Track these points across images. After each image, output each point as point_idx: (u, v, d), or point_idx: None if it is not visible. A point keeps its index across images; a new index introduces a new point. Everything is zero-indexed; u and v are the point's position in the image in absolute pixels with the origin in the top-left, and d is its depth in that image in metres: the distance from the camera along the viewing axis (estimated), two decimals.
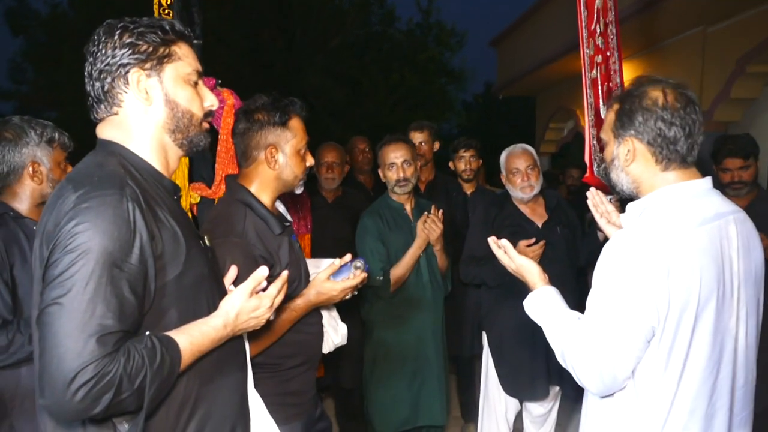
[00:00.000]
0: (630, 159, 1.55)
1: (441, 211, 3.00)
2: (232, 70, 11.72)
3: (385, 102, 16.04)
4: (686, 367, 1.43)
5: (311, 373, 2.11)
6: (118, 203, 1.21)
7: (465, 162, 4.02)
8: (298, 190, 2.08)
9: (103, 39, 1.35)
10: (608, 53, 2.71)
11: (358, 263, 1.99)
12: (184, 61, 1.42)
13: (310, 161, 2.05)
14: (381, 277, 2.93)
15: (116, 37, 1.35)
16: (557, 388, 3.17)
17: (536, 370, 3.06)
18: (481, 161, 4.10)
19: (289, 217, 2.12)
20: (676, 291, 1.38)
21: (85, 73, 1.38)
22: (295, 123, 1.99)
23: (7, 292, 2.02)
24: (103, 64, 1.35)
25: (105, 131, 1.40)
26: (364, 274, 1.99)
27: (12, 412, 2.04)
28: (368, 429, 3.16)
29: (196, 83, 1.47)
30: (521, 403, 3.26)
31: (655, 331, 1.41)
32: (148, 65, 1.36)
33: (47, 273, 1.18)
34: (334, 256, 2.32)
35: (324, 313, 2.17)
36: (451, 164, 4.14)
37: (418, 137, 3.98)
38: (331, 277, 1.98)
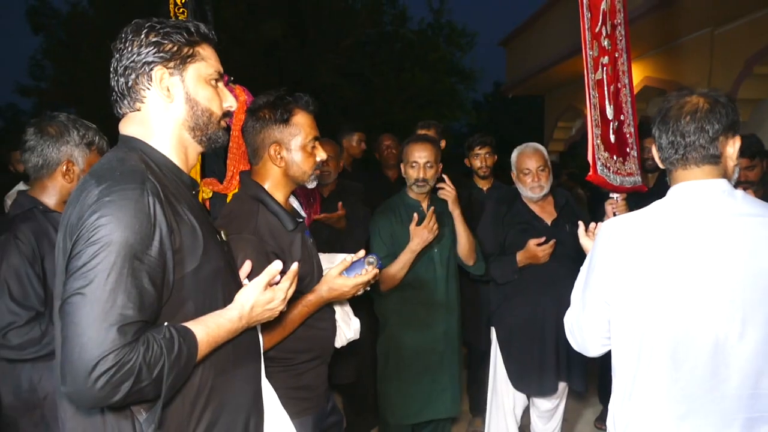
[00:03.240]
0: (659, 162, 1.71)
1: (432, 208, 2.98)
2: (246, 69, 11.80)
3: (396, 100, 16.06)
4: (642, 350, 1.55)
5: (323, 367, 2.12)
6: (140, 197, 1.24)
7: (480, 159, 4.04)
8: (311, 185, 2.07)
9: (130, 37, 1.39)
10: (616, 54, 2.72)
11: (371, 259, 1.97)
12: (206, 62, 1.47)
13: (321, 156, 2.03)
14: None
15: (143, 36, 1.38)
16: (565, 384, 3.20)
17: (544, 366, 3.09)
18: (496, 157, 4.10)
19: (303, 213, 2.13)
20: (622, 274, 1.56)
21: (111, 69, 1.42)
22: (300, 119, 1.98)
23: (39, 285, 2.06)
24: (129, 61, 1.39)
25: (127, 127, 1.44)
26: (376, 270, 1.98)
27: (44, 402, 2.08)
28: (381, 422, 3.21)
29: (216, 84, 1.50)
30: (529, 398, 3.29)
31: (611, 307, 1.61)
32: (171, 64, 1.40)
33: (70, 264, 1.21)
34: (331, 251, 2.35)
35: (337, 308, 2.17)
36: (466, 161, 4.17)
37: None
38: (343, 273, 1.97)
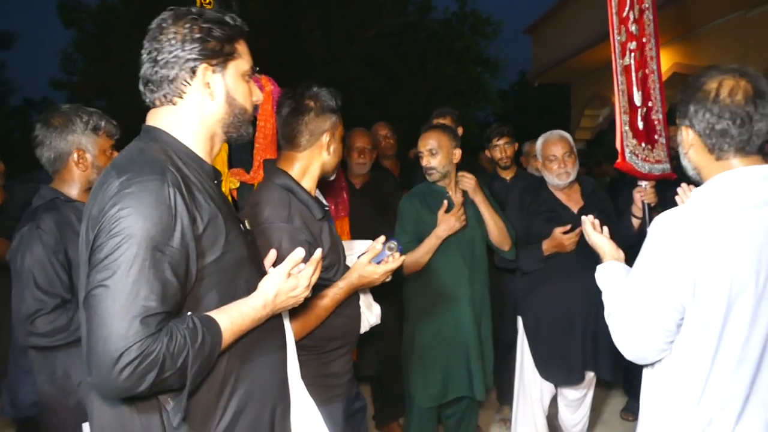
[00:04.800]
0: (687, 147, 1.59)
1: (461, 198, 2.98)
2: (270, 60, 11.87)
3: (420, 91, 16.01)
4: (720, 348, 1.44)
5: (350, 355, 2.15)
6: (160, 189, 1.24)
7: (500, 150, 3.99)
8: (332, 177, 2.14)
9: (172, 29, 1.37)
10: (644, 39, 2.68)
11: (392, 244, 1.98)
12: (243, 58, 1.47)
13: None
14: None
15: (186, 30, 1.37)
16: (592, 373, 3.18)
17: (571, 355, 3.07)
18: (516, 145, 4.04)
19: (325, 202, 2.15)
20: (704, 274, 1.42)
21: (147, 57, 1.39)
22: (338, 112, 2.07)
23: (64, 273, 2.10)
24: (171, 55, 1.36)
25: (155, 119, 1.43)
26: (404, 257, 2.00)
27: (78, 388, 2.13)
28: (407, 408, 3.21)
29: (249, 79, 1.51)
30: (556, 388, 3.28)
31: (686, 310, 1.46)
32: (214, 62, 1.40)
33: (93, 257, 1.22)
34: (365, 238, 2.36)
35: (360, 294, 2.20)
36: (487, 153, 4.13)
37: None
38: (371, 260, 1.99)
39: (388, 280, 2.04)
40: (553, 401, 3.35)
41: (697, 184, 1.63)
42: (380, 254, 1.99)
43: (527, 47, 11.68)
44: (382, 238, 2.01)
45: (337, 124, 2.04)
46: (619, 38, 2.51)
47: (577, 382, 3.15)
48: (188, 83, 1.40)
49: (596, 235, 1.94)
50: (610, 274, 1.79)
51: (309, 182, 2.04)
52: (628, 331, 1.56)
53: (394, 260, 1.98)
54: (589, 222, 1.97)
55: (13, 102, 22.23)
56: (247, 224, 1.57)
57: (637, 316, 1.53)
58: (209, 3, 2.88)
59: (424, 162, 3.00)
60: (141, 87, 1.43)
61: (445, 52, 16.46)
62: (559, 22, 9.91)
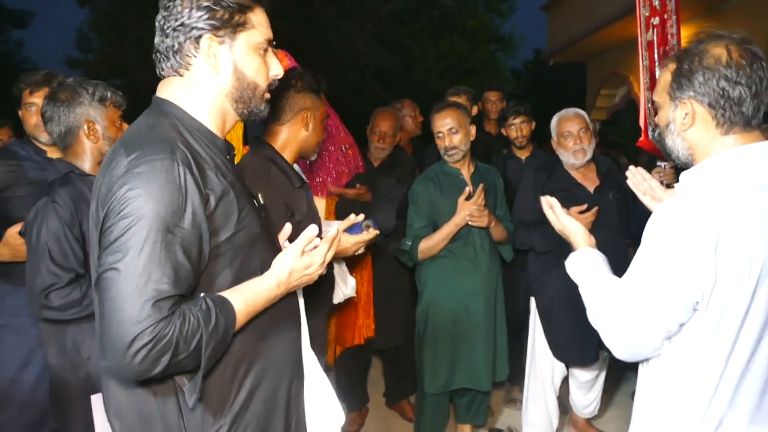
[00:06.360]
0: (688, 123, 1.43)
1: (481, 186, 2.93)
2: (283, 38, 11.82)
3: (434, 69, 15.92)
4: (738, 341, 1.34)
5: (323, 319, 2.25)
6: (170, 168, 1.20)
7: (516, 129, 3.93)
8: (313, 157, 2.25)
9: None
10: (665, 16, 2.64)
11: (369, 222, 2.11)
12: (257, 29, 1.39)
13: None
14: (410, 243, 2.99)
15: None
16: (606, 354, 3.17)
17: (586, 335, 3.04)
18: (533, 124, 3.97)
19: (304, 177, 2.22)
20: (725, 263, 1.29)
21: (156, 26, 1.35)
22: (323, 96, 2.19)
23: (79, 247, 2.11)
24: (177, 23, 1.31)
25: (165, 90, 1.39)
26: (376, 231, 2.12)
27: (87, 362, 2.15)
28: (418, 389, 3.23)
29: (265, 53, 1.43)
30: (568, 368, 3.27)
31: (699, 305, 1.33)
32: (221, 32, 1.33)
33: (103, 238, 1.20)
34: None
35: (335, 267, 2.29)
36: (503, 131, 4.09)
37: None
38: (344, 232, 2.09)
39: (360, 252, 2.16)
40: (564, 382, 3.34)
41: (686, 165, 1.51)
42: (354, 228, 2.10)
43: (543, 24, 11.51)
44: (361, 216, 2.12)
45: (317, 106, 2.15)
46: (643, 12, 2.47)
47: (591, 361, 3.14)
48: (194, 54, 1.34)
49: (567, 218, 1.75)
50: (588, 265, 1.63)
51: (289, 155, 2.15)
52: (624, 329, 1.41)
53: (367, 234, 2.11)
54: (558, 205, 1.79)
55: None
56: (261, 199, 1.55)
57: (637, 314, 1.38)
58: None
59: (446, 142, 2.95)
60: (153, 57, 1.38)
61: (458, 30, 16.30)
62: None
